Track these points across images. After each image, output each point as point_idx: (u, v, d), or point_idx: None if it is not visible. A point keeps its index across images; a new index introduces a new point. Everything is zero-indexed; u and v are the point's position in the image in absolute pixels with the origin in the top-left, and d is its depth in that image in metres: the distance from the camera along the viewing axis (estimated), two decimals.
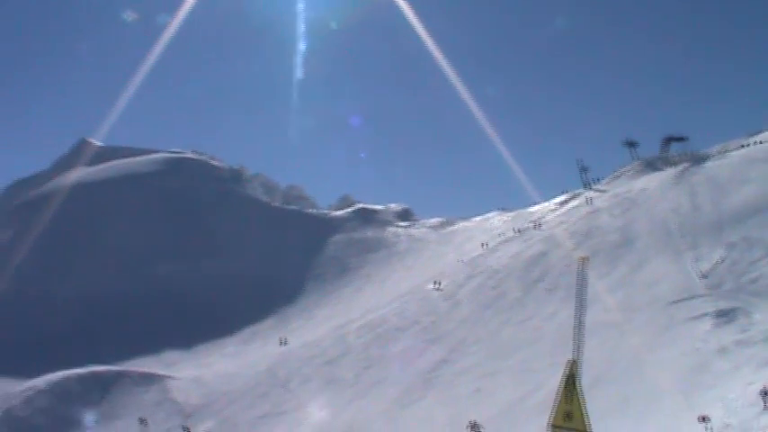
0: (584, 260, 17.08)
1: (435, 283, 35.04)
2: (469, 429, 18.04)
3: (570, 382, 14.80)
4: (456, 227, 79.08)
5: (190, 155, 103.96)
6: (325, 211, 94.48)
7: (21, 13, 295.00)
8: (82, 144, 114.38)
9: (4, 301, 71.33)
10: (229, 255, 77.94)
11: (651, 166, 57.70)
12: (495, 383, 21.51)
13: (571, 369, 15.10)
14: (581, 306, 16.25)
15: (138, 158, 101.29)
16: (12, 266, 77.31)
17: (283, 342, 47.70)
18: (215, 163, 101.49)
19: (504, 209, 78.16)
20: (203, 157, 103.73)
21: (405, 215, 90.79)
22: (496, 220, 72.80)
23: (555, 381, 16.55)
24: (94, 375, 39.75)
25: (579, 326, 15.88)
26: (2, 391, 44.01)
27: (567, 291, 27.40)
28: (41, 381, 39.20)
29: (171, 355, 57.24)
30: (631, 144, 63.56)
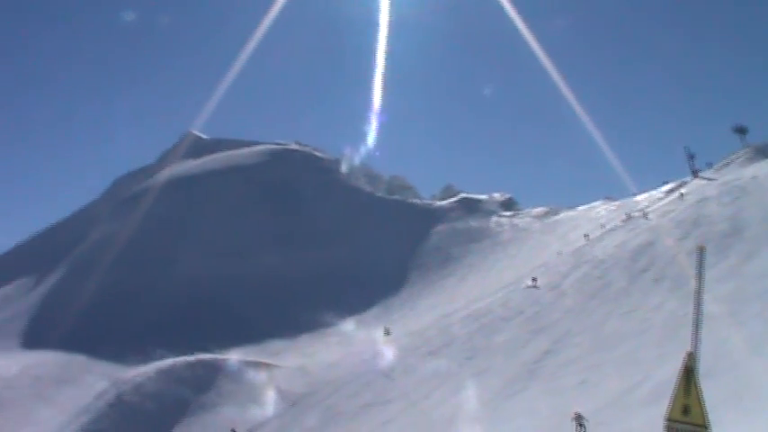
0: (702, 249, 16.34)
1: (533, 279, 34.45)
2: (574, 421, 17.66)
3: (688, 375, 14.21)
4: (560, 216, 78.64)
5: (293, 146, 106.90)
6: (429, 201, 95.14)
7: (129, 7, 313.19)
8: (187, 137, 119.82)
9: (112, 291, 76.26)
10: (333, 245, 79.80)
11: (762, 152, 55.32)
12: (600, 375, 20.94)
13: (689, 361, 14.50)
14: (700, 296, 15.53)
15: (243, 150, 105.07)
16: (120, 257, 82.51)
17: (387, 332, 48.53)
18: (318, 154, 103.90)
19: (609, 198, 77.84)
20: (306, 149, 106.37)
21: (508, 204, 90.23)
22: (602, 210, 72.19)
23: (663, 373, 15.97)
24: (202, 363, 41.52)
25: (698, 317, 15.22)
26: (112, 376, 47.11)
27: (674, 281, 26.44)
28: (151, 367, 41.35)
29: (275, 345, 59.44)
30: (741, 130, 61.89)
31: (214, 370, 41.22)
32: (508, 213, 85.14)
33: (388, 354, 36.77)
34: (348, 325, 61.74)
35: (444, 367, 30.03)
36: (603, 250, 35.51)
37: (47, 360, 64.24)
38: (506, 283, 42.62)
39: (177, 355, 43.57)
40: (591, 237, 44.61)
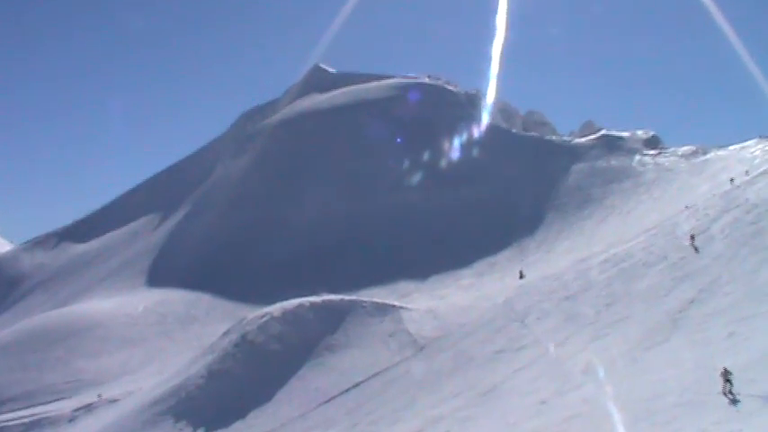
0: None
1: (691, 238, 33.36)
2: (721, 377, 17.56)
3: None
4: (709, 156, 76.20)
5: (424, 80, 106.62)
6: (567, 138, 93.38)
7: None
8: (315, 71, 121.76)
9: (237, 229, 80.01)
10: (466, 183, 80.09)
11: None
12: (751, 328, 20.52)
13: None
14: None
15: (372, 84, 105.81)
16: (244, 194, 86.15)
17: (521, 275, 48.76)
18: (451, 88, 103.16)
19: (764, 136, 74.78)
20: (439, 82, 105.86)
21: (652, 142, 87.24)
22: (756, 149, 69.71)
23: None
24: (328, 304, 42.80)
25: None
26: (238, 316, 49.27)
27: None
28: (276, 308, 42.73)
29: (405, 286, 61.16)
30: None
31: (341, 311, 42.11)
32: (652, 152, 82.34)
33: (523, 298, 37.09)
34: (480, 267, 62.50)
35: (581, 314, 30.14)
36: (757, 194, 33.96)
37: (172, 298, 68.62)
38: (649, 227, 41.59)
39: (303, 296, 44.66)
40: (743, 178, 42.58)
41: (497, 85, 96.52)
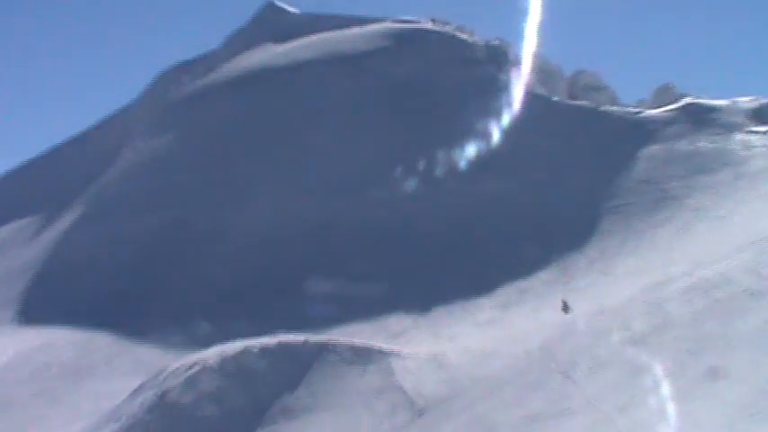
0: None
1: None
2: None
3: None
4: None
5: (427, 25, 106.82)
6: (634, 109, 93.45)
7: None
8: (268, 10, 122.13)
9: (153, 240, 79.51)
10: (485, 174, 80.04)
11: None
12: None
13: None
14: None
15: (351, 31, 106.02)
16: (173, 186, 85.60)
17: (566, 306, 48.68)
18: (465, 37, 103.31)
19: None
20: (447, 29, 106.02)
21: (761, 115, 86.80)
22: None
23: None
24: (287, 348, 42.77)
25: None
26: (154, 366, 48.83)
27: None
28: (211, 353, 42.70)
29: (397, 322, 60.65)
30: None
31: (306, 358, 42.02)
32: (761, 129, 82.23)
33: (568, 340, 36.96)
34: (506, 294, 62.23)
35: (654, 365, 29.85)
36: None
37: (55, 341, 67.16)
38: (757, 238, 41.47)
39: (251, 337, 44.75)
40: None
41: (533, 34, 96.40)
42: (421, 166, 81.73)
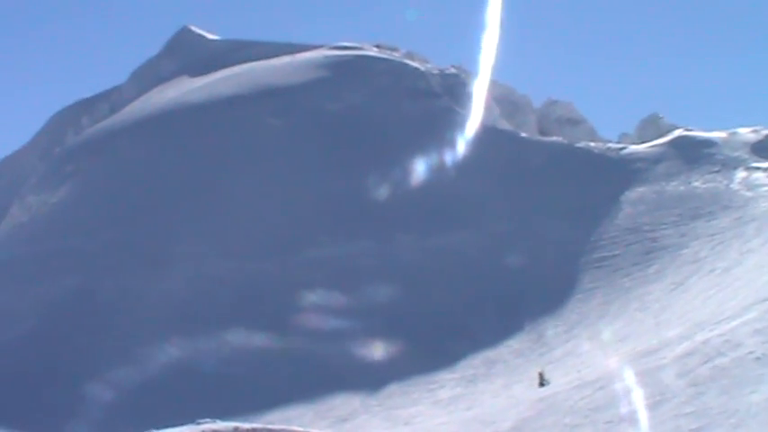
0: None
1: None
2: None
3: None
4: None
5: (370, 51, 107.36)
6: (616, 145, 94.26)
7: None
8: (182, 37, 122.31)
9: (59, 309, 78.49)
10: (441, 223, 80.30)
11: None
12: None
13: None
14: None
15: (281, 61, 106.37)
16: (71, 250, 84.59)
17: (542, 380, 48.50)
18: (415, 65, 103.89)
19: None
20: (395, 55, 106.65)
21: (764, 148, 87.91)
22: None
23: None
24: None
25: None
26: None
27: None
28: None
29: (344, 401, 60.11)
30: None
31: None
32: (766, 164, 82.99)
33: (547, 420, 36.88)
34: (471, 366, 62.06)
35: None
36: None
37: None
38: (765, 294, 41.75)
39: (176, 422, 44.24)
40: None
41: (493, 60, 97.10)
42: (365, 217, 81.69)
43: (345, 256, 78.11)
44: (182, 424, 43.91)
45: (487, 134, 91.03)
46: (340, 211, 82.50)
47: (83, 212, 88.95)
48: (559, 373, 50.34)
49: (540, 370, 51.90)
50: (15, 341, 76.65)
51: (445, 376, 62.03)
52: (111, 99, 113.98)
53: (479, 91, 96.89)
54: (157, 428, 43.77)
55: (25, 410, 66.75)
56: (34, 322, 78.02)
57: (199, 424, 43.57)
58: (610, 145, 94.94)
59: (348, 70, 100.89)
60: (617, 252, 73.78)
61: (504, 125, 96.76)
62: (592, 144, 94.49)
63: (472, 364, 62.90)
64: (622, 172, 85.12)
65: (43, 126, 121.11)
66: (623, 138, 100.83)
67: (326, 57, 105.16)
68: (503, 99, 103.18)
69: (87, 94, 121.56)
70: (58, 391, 69.12)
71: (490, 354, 63.83)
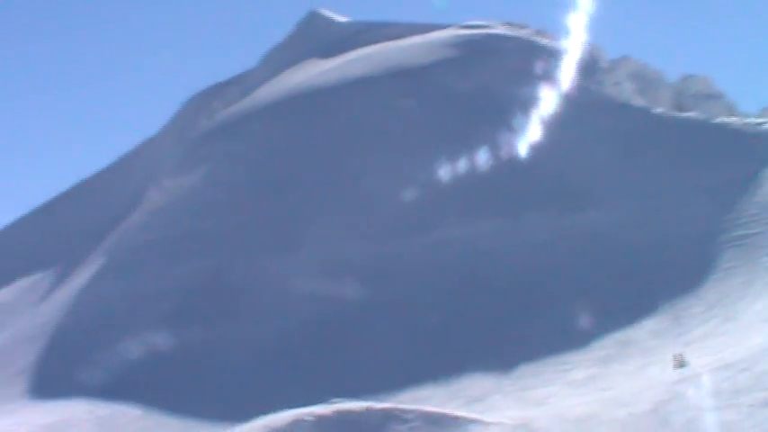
0: None
1: None
2: None
3: None
4: None
5: (499, 30, 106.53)
6: (757, 120, 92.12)
7: None
8: (311, 21, 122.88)
9: (188, 295, 79.93)
10: (574, 203, 79.74)
11: None
12: None
13: None
14: None
15: (411, 41, 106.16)
16: (205, 231, 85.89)
17: (680, 360, 47.58)
18: (545, 42, 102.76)
19: None
20: (524, 33, 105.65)
21: None
22: None
23: None
24: (346, 417, 42.11)
25: None
26: None
27: None
28: (255, 426, 42.34)
29: (477, 383, 59.89)
30: None
31: (368, 428, 41.27)
32: None
33: (685, 403, 36.06)
34: (604, 348, 61.02)
35: None
36: None
37: (74, 417, 66.86)
38: None
39: (302, 405, 44.39)
40: None
41: (628, 35, 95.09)
42: (495, 197, 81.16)
43: (475, 237, 77.72)
44: (313, 403, 44.34)
45: (620, 111, 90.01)
46: (470, 190, 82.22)
47: (217, 195, 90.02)
48: (697, 355, 49.33)
49: (677, 351, 50.90)
50: (154, 322, 78.10)
51: (578, 357, 61.33)
52: (241, 83, 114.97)
53: (611, 68, 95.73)
54: (290, 407, 44.14)
55: (163, 389, 68.12)
56: (172, 303, 79.38)
57: (331, 404, 43.84)
58: (750, 120, 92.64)
59: (477, 49, 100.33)
60: (757, 230, 71.82)
61: (638, 101, 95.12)
62: (731, 119, 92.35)
63: (605, 345, 62.02)
64: (762, 147, 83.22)
65: (177, 111, 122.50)
66: (764, 112, 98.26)
67: (456, 36, 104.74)
68: (636, 75, 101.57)
69: (218, 79, 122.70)
70: (192, 369, 70.37)
71: (624, 334, 62.72)
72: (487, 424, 42.17)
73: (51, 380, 76.90)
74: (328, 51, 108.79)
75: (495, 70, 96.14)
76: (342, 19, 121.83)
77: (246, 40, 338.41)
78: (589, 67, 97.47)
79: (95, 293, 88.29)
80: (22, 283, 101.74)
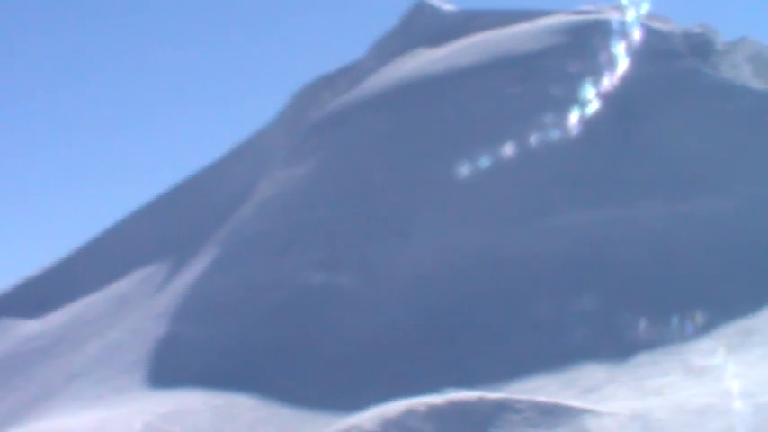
0: None
1: None
2: None
3: None
4: None
5: (608, 14, 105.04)
6: None
7: None
8: (419, 10, 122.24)
9: (301, 285, 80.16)
10: (691, 188, 78.68)
11: None
12: None
13: None
14: None
15: (519, 28, 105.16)
16: (317, 222, 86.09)
17: None
18: (657, 26, 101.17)
19: None
20: (634, 16, 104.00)
21: None
22: None
23: None
24: (458, 407, 42.30)
25: None
26: (302, 429, 49.18)
27: None
28: (369, 416, 42.61)
29: (589, 372, 59.37)
30: None
31: (480, 419, 42.02)
32: None
33: None
34: (726, 337, 60.16)
35: None
36: None
37: (190, 406, 67.72)
38: None
39: (414, 395, 44.58)
40: None
41: (744, 16, 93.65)
42: (609, 184, 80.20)
43: (589, 225, 76.97)
44: (426, 393, 44.27)
45: (737, 94, 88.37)
46: (582, 177, 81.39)
47: (327, 185, 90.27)
48: None
49: None
50: (268, 313, 78.70)
51: (698, 346, 60.47)
52: (350, 73, 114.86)
53: (728, 50, 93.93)
54: (403, 397, 44.13)
55: (277, 379, 68.60)
56: (285, 294, 79.86)
57: (444, 393, 43.74)
58: None
59: (587, 35, 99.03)
60: None
61: (756, 84, 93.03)
62: None
63: (726, 334, 61.09)
64: None
65: (287, 103, 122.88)
66: None
67: (565, 22, 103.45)
68: (754, 57, 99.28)
69: (327, 70, 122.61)
70: (305, 359, 70.76)
71: (746, 323, 61.86)
72: (602, 414, 41.96)
73: (167, 370, 77.98)
74: (436, 40, 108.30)
75: (604, 56, 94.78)
76: (449, 7, 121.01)
77: (355, 31, 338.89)
78: (704, 50, 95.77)
79: (209, 284, 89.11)
80: (139, 275, 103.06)
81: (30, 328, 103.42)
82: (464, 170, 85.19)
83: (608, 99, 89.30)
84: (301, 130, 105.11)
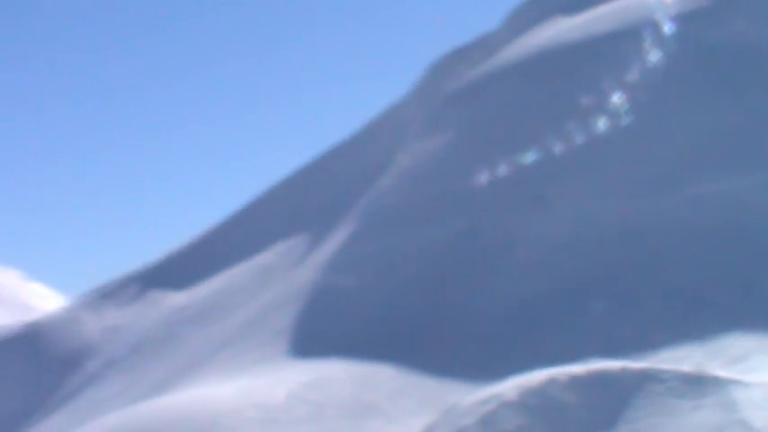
0: None
1: None
2: None
3: None
4: None
5: None
6: None
7: None
8: None
9: (447, 250, 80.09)
10: None
11: None
12: None
13: None
14: None
15: None
16: (456, 192, 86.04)
17: None
18: None
19: None
20: None
21: None
22: None
23: None
24: (601, 377, 41.82)
25: None
26: (445, 402, 49.07)
27: None
28: (509, 386, 42.34)
29: (737, 341, 58.04)
30: None
31: (624, 389, 41.34)
32: None
33: None
34: None
35: None
36: None
37: (332, 376, 68.83)
38: None
39: (552, 363, 44.36)
40: None
41: None
42: (756, 150, 78.34)
43: (733, 192, 75.27)
44: (568, 362, 43.94)
45: None
46: (728, 143, 79.66)
47: (465, 155, 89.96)
48: None
49: None
50: (408, 283, 79.10)
51: None
52: (484, 45, 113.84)
53: None
54: (544, 366, 43.88)
55: (417, 349, 68.98)
56: (424, 265, 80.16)
57: (586, 363, 43.33)
58: None
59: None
60: None
61: None
62: None
63: None
64: None
65: (422, 76, 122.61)
66: None
67: None
68: None
69: (462, 42, 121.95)
70: (445, 329, 70.95)
71: None
72: (750, 385, 40.98)
73: (309, 339, 78.95)
74: (572, 8, 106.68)
75: (750, 17, 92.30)
76: None
77: (490, 1, 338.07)
78: None
79: (349, 256, 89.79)
80: (280, 247, 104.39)
81: (177, 299, 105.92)
82: (604, 137, 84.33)
83: (751, 63, 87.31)
84: (437, 101, 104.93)
